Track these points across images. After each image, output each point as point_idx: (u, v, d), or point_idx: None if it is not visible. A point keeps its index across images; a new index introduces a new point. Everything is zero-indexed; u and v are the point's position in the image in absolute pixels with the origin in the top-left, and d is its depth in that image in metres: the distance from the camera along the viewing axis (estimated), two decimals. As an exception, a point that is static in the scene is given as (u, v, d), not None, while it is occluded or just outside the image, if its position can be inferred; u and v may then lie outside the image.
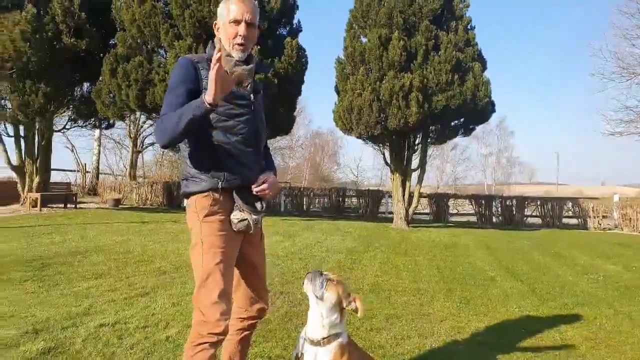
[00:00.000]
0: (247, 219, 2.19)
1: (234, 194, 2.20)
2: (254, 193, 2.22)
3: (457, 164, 56.17)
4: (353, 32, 15.51)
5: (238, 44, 2.23)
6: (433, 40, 14.44)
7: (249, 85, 2.34)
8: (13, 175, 18.58)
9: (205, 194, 2.17)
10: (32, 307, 4.28)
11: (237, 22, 2.22)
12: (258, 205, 2.25)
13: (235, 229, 2.19)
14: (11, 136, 16.22)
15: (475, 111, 14.70)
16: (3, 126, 16.15)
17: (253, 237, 2.36)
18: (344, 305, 2.26)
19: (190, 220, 2.23)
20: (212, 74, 1.91)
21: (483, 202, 19.80)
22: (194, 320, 2.10)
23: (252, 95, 2.34)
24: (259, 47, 13.56)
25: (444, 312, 4.76)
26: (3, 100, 15.50)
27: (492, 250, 10.08)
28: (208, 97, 1.95)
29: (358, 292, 5.48)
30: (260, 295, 2.43)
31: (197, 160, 2.21)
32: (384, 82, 14.13)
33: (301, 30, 16.30)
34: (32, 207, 15.31)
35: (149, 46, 14.49)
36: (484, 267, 7.87)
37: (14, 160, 16.31)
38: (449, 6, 14.96)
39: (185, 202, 2.31)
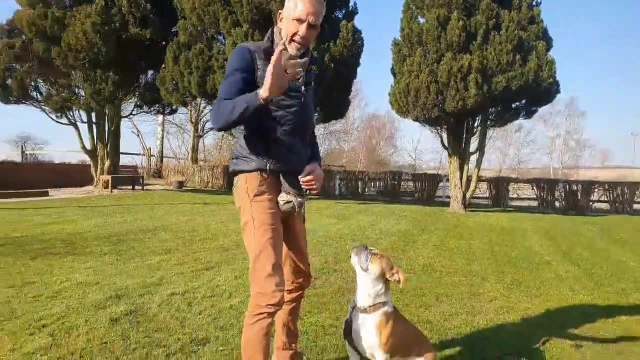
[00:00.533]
0: (292, 201, 2.34)
1: (281, 178, 2.35)
2: (301, 180, 2.36)
3: (521, 147, 54.31)
4: (410, 12, 15.32)
5: (296, 42, 2.30)
6: (494, 19, 13.99)
7: (301, 78, 2.41)
8: (85, 159, 19.94)
9: (255, 173, 2.32)
10: (113, 276, 4.78)
11: (300, 21, 2.28)
12: (303, 189, 2.39)
13: (281, 210, 2.35)
14: (84, 122, 17.39)
15: (537, 92, 14.17)
16: (77, 113, 17.30)
17: (297, 215, 2.53)
18: (387, 276, 2.46)
19: (240, 198, 2.37)
20: (270, 69, 2.02)
21: (545, 186, 19.19)
22: (251, 293, 2.28)
23: (303, 87, 2.43)
24: (315, 31, 13.72)
25: (494, 292, 4.86)
26: (77, 89, 16.60)
27: (551, 235, 9.90)
28: (263, 91, 2.06)
29: (409, 272, 5.66)
30: (303, 268, 2.62)
31: (249, 143, 2.35)
32: (441, 63, 13.94)
33: (357, 13, 16.28)
34: (104, 188, 16.42)
35: (208, 33, 15.02)
36: (540, 251, 7.80)
37: (88, 145, 17.48)
38: (512, -19, 14.38)
39: (234, 180, 2.44)
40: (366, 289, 2.46)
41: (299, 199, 2.36)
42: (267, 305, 2.22)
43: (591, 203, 18.78)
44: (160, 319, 3.57)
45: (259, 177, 2.32)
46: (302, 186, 2.37)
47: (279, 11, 2.40)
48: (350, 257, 2.55)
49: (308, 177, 2.36)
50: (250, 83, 2.25)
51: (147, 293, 4.23)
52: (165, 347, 3.03)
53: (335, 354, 3.03)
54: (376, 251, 2.50)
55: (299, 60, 2.32)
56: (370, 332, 2.42)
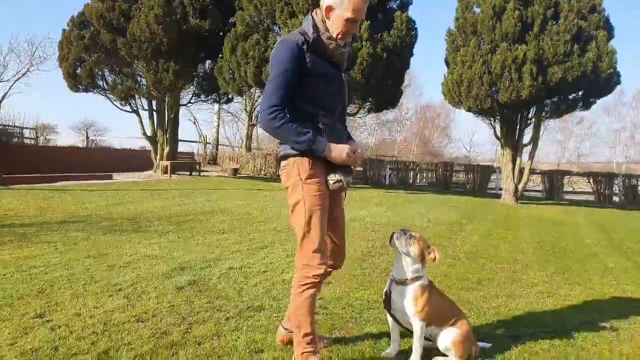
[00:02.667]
0: (341, 180, 2.49)
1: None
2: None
3: (583, 140, 51.98)
4: (465, 2, 15.17)
5: (345, 38, 2.51)
6: (552, 8, 13.66)
7: (344, 67, 2.62)
8: (145, 145, 20.99)
9: (307, 157, 2.45)
10: (175, 251, 5.23)
11: (352, 21, 2.44)
12: (349, 168, 2.60)
13: (331, 189, 2.50)
14: (145, 110, 18.31)
15: (596, 83, 13.73)
16: (139, 101, 18.25)
17: (338, 197, 2.73)
18: (425, 255, 2.71)
19: (289, 179, 2.51)
20: (345, 157, 2.45)
21: (602, 179, 18.53)
22: (298, 264, 2.52)
23: (342, 74, 2.62)
24: (368, 21, 13.86)
25: (536, 279, 4.96)
26: (140, 78, 17.51)
27: (604, 229, 9.71)
28: (328, 154, 2.42)
29: (454, 258, 5.82)
30: (339, 248, 2.80)
31: None
32: (496, 54, 13.76)
33: (412, 3, 16.25)
34: (163, 173, 17.30)
35: (265, 24, 15.45)
36: (590, 243, 7.73)
37: (148, 132, 18.41)
38: (573, -32, 13.92)
39: (283, 163, 2.56)
40: (405, 266, 2.72)
41: (347, 178, 2.52)
42: (313, 276, 2.46)
43: (652, 198, 17.98)
44: (219, 289, 3.95)
45: (309, 160, 2.46)
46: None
47: (328, 4, 2.45)
48: (390, 241, 2.77)
49: (353, 155, 2.54)
50: (301, 78, 2.41)
51: (208, 267, 4.64)
52: (225, 312, 3.39)
53: (378, 325, 3.29)
54: (415, 234, 2.74)
55: (359, 146, 2.63)
56: (407, 301, 2.68)
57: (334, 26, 2.46)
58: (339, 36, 2.49)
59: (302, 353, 2.50)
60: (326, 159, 2.47)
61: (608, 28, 14.01)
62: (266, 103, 2.41)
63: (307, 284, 2.48)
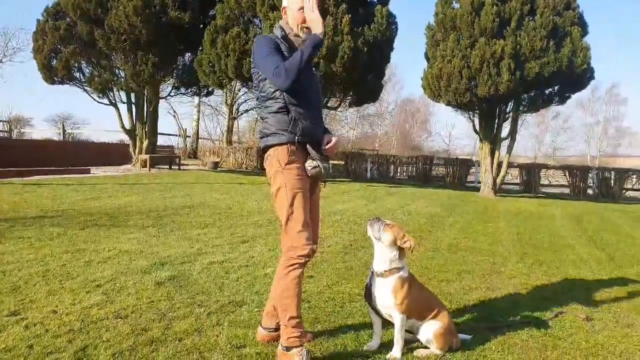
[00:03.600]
0: (319, 166, 2.63)
1: (307, 146, 2.64)
2: (323, 149, 2.70)
3: (558, 134, 52.92)
4: (445, -3, 15.25)
5: (306, 28, 2.68)
6: (529, 5, 13.89)
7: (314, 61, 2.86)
8: (124, 138, 20.67)
9: (284, 146, 2.60)
10: (155, 246, 5.16)
11: (304, 9, 2.67)
12: (325, 156, 2.72)
13: (309, 175, 2.65)
14: (124, 103, 18.00)
15: (571, 78, 14.03)
16: (118, 94, 17.92)
17: (315, 186, 2.80)
18: (399, 243, 2.72)
19: (271, 168, 2.65)
20: (314, 3, 2.59)
21: (577, 173, 18.93)
22: (284, 248, 2.60)
23: (313, 69, 2.82)
24: (349, 15, 13.83)
25: (515, 271, 5.03)
26: (118, 70, 17.20)
27: (578, 221, 9.92)
28: (319, 29, 2.56)
29: (435, 251, 5.87)
30: (313, 236, 2.83)
31: (278, 121, 2.63)
32: (474, 49, 13.89)
33: (392, -2, 16.27)
34: (142, 167, 17.06)
35: (245, 17, 15.29)
36: (566, 235, 7.88)
37: (127, 125, 18.12)
38: (549, -35, 14.16)
39: (265, 155, 2.72)
40: (382, 256, 2.75)
41: (324, 164, 2.65)
42: (298, 256, 2.54)
43: (625, 191, 18.41)
44: (200, 284, 3.91)
45: (288, 149, 2.60)
46: (325, 153, 2.71)
47: (283, 6, 2.80)
48: (366, 229, 2.82)
49: (331, 144, 2.71)
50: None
51: (188, 261, 4.59)
52: (206, 307, 3.36)
53: (360, 318, 3.30)
54: (388, 222, 2.77)
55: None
56: (387, 294, 2.70)
57: (293, 20, 2.73)
58: (301, 26, 2.70)
59: (288, 338, 2.54)
60: (304, 147, 2.63)
61: (582, 24, 14.31)
62: (271, 67, 2.54)
63: (292, 264, 2.55)
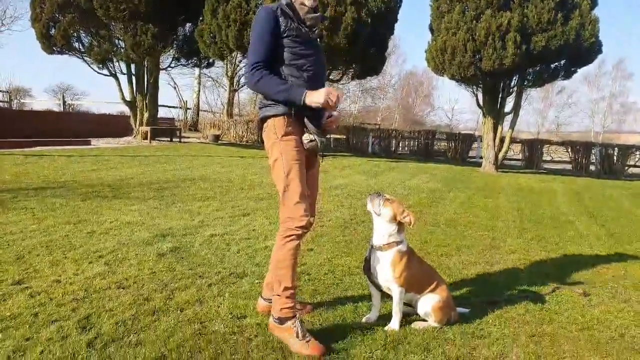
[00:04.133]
0: (315, 140, 2.59)
1: (305, 120, 2.59)
2: (322, 122, 2.65)
3: (562, 109, 52.50)
4: (451, -32, 14.91)
5: None
6: (538, -24, 13.54)
7: (317, 31, 2.78)
8: (124, 110, 20.55)
9: (281, 117, 2.57)
10: (157, 218, 5.20)
11: None
12: (323, 130, 2.68)
13: (305, 148, 2.62)
14: (124, 74, 17.82)
15: (578, 52, 13.77)
16: (118, 65, 17.74)
17: (313, 160, 2.79)
18: (399, 218, 2.74)
19: (269, 139, 2.64)
20: (325, 98, 2.46)
21: (580, 149, 18.85)
22: (281, 219, 2.59)
23: (318, 39, 2.77)
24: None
25: (514, 246, 5.07)
26: (118, 41, 16.97)
27: (579, 197, 9.94)
28: (308, 100, 2.47)
29: (434, 226, 5.90)
30: (310, 209, 2.82)
31: None
32: (480, 21, 13.65)
33: (397, -33, 15.88)
34: (143, 139, 17.02)
35: (247, -14, 14.99)
36: (566, 211, 7.91)
37: (127, 96, 17.99)
38: None
39: (263, 126, 2.69)
40: (381, 230, 2.76)
41: (321, 139, 2.62)
42: (295, 227, 2.54)
43: (627, 168, 18.37)
44: (202, 255, 3.95)
45: (285, 120, 2.58)
46: (324, 127, 2.67)
47: None
48: (366, 203, 2.83)
49: (330, 119, 2.68)
50: (277, 39, 2.56)
51: (189, 234, 4.62)
52: (207, 279, 3.40)
53: (359, 290, 3.34)
54: (388, 196, 2.78)
55: (318, 16, 2.72)
56: (386, 267, 2.73)
57: None
58: None
59: (282, 309, 2.55)
60: (302, 120, 2.59)
61: (592, -5, 13.96)
62: (249, 62, 2.59)
63: (289, 235, 2.55)
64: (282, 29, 2.55)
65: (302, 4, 2.65)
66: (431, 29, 15.85)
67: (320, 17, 2.75)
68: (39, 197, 5.91)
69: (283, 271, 2.56)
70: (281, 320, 2.54)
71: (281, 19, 2.56)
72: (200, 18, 15.71)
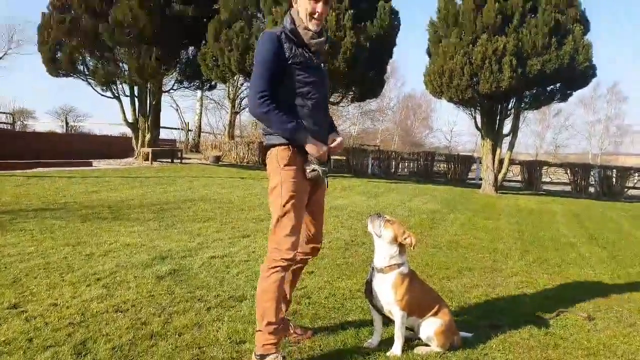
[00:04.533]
0: (317, 170, 2.54)
1: (307, 149, 2.53)
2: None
3: (559, 131, 52.73)
4: (447, -6, 15.19)
5: (315, 19, 2.57)
6: (531, 2, 13.83)
7: (322, 57, 2.71)
8: (126, 131, 20.65)
9: (286, 146, 2.52)
10: (156, 240, 5.16)
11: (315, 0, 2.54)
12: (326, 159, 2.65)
13: (307, 177, 2.55)
14: (127, 96, 17.96)
15: (573, 76, 13.98)
16: (121, 87, 17.89)
17: (318, 186, 2.73)
18: (400, 240, 2.71)
19: (271, 167, 2.58)
20: (319, 155, 2.52)
21: (579, 170, 18.87)
22: (269, 248, 2.53)
23: (322, 65, 2.71)
24: (352, 10, 13.78)
25: (516, 269, 5.03)
26: (122, 64, 17.15)
27: (579, 219, 9.90)
28: (309, 146, 2.50)
29: (435, 247, 5.86)
30: (316, 236, 2.84)
31: None
32: (476, 45, 13.84)
33: (395, -7, 16.15)
34: (144, 160, 17.05)
35: (249, 12, 15.22)
36: (567, 233, 7.87)
37: (130, 118, 18.09)
38: (552, -37, 14.10)
39: (267, 153, 2.63)
40: (382, 252, 2.73)
41: (323, 168, 2.57)
42: (281, 259, 2.48)
43: (626, 190, 18.35)
44: (201, 278, 3.91)
45: (288, 150, 2.53)
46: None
47: None
48: (367, 224, 2.80)
49: (333, 145, 2.66)
50: (282, 65, 2.51)
51: (189, 256, 4.59)
52: (206, 302, 3.36)
53: (360, 314, 3.30)
54: (388, 217, 2.76)
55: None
56: (387, 290, 2.69)
57: (302, 10, 2.58)
58: (310, 17, 2.57)
59: (264, 345, 2.46)
60: (304, 149, 2.54)
61: (584, 22, 14.21)
62: (254, 88, 2.52)
63: (275, 267, 2.49)
64: (286, 55, 2.50)
65: (307, 28, 2.58)
66: (429, 53, 16.05)
67: (325, 41, 2.69)
68: (38, 219, 5.88)
69: (267, 304, 2.47)
70: (262, 357, 2.46)
71: (286, 45, 2.51)
72: (203, 42, 15.91)
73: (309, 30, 2.58)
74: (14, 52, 29.01)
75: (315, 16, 2.57)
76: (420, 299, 2.75)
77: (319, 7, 2.56)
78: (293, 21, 2.59)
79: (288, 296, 2.90)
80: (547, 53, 13.43)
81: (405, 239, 2.70)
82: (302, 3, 2.58)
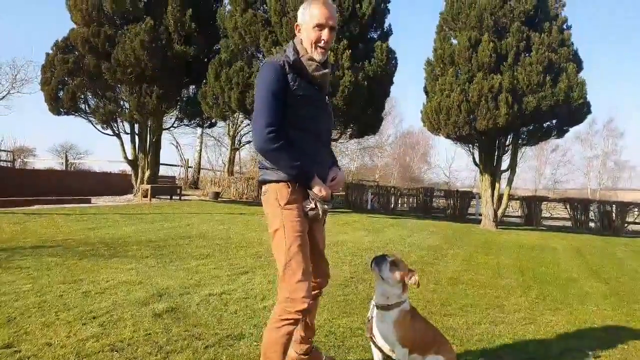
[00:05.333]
0: (317, 207, 2.44)
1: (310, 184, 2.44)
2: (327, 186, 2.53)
3: (558, 167, 53.04)
4: (443, 34, 15.61)
5: (321, 47, 2.46)
6: (524, 42, 14.22)
7: (325, 89, 2.61)
8: (126, 168, 20.73)
9: (284, 183, 2.40)
10: (154, 277, 5.11)
11: (320, 26, 2.43)
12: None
13: (306, 215, 2.45)
14: (127, 133, 18.14)
15: (568, 112, 14.24)
16: (122, 124, 18.09)
17: (320, 223, 2.66)
18: (405, 281, 2.67)
19: (270, 206, 2.46)
20: (321, 195, 2.43)
21: (579, 206, 18.87)
22: (279, 298, 2.38)
23: (326, 97, 2.62)
24: (350, 50, 14.09)
25: (519, 305, 4.96)
26: (123, 102, 17.40)
27: (581, 254, 9.84)
28: (315, 187, 2.42)
29: (436, 284, 5.79)
30: (322, 269, 2.75)
31: None
32: (472, 83, 14.12)
33: (392, 34, 16.50)
34: (144, 197, 17.05)
35: (249, 52, 15.57)
36: (569, 268, 7.81)
37: (129, 155, 18.21)
38: (543, 6, 14.61)
39: (263, 188, 2.52)
40: (384, 291, 2.68)
41: (324, 206, 2.47)
42: (295, 311, 2.32)
43: (627, 225, 18.32)
44: (199, 316, 3.85)
45: (288, 187, 2.41)
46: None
47: (296, 23, 2.54)
48: (371, 266, 2.73)
49: (333, 183, 2.57)
50: (285, 97, 2.38)
51: (187, 293, 4.53)
52: (204, 340, 3.30)
53: (361, 353, 3.23)
54: (393, 258, 2.69)
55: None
56: (389, 327, 2.64)
57: (307, 39, 2.47)
58: (315, 45, 2.46)
59: None
60: (303, 185, 2.45)
61: (577, 61, 14.58)
62: (261, 121, 2.35)
63: (287, 319, 2.35)
64: (290, 87, 2.38)
65: (311, 59, 2.46)
66: (426, 91, 16.35)
67: (330, 72, 2.58)
68: (35, 256, 5.83)
69: (273, 355, 2.35)
70: None
71: (289, 76, 2.39)
72: (204, 81, 16.18)
73: (314, 60, 2.46)
74: (16, 91, 29.27)
75: (321, 44, 2.45)
76: (422, 336, 2.70)
77: (325, 34, 2.44)
78: (296, 51, 2.47)
79: (310, 323, 2.80)
80: (543, 90, 13.70)
81: (410, 279, 2.66)
82: (307, 31, 2.46)
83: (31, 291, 4.27)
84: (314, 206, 2.44)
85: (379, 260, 2.69)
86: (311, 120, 2.49)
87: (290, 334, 2.37)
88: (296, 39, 2.53)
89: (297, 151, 2.41)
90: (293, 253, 2.36)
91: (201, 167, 31.10)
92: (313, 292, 2.59)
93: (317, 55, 2.46)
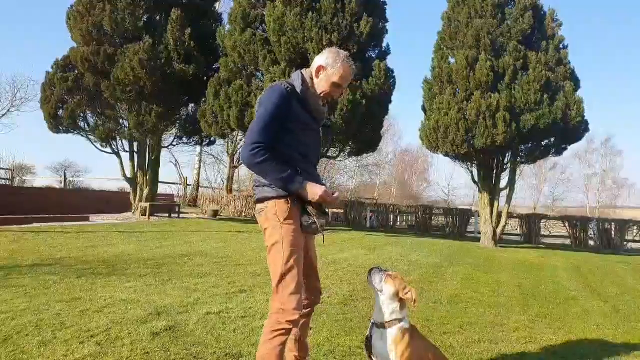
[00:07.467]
0: (315, 222, 2.51)
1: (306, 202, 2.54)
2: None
3: (556, 185, 53.12)
4: (441, 53, 15.81)
5: (324, 97, 2.69)
6: (521, 60, 14.40)
7: (323, 120, 2.82)
8: (125, 186, 20.72)
9: (284, 199, 2.49)
10: (152, 295, 5.08)
11: (339, 87, 2.67)
12: (324, 210, 2.64)
13: (304, 230, 2.53)
14: (126, 151, 18.16)
15: (566, 130, 14.35)
16: (120, 142, 18.12)
17: (312, 238, 2.74)
18: (401, 295, 2.68)
19: (267, 221, 2.52)
20: (324, 198, 2.48)
21: (577, 224, 18.87)
22: (272, 309, 2.46)
23: (319, 129, 2.78)
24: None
25: (518, 323, 4.94)
26: (122, 120, 17.47)
27: (580, 272, 9.83)
28: (308, 194, 2.46)
29: (436, 302, 5.77)
30: (314, 285, 2.81)
31: None
32: (470, 101, 14.23)
33: (389, 53, 16.67)
34: (142, 215, 17.00)
35: (248, 70, 15.70)
36: (568, 286, 7.79)
37: (128, 173, 18.21)
38: (540, 26, 14.83)
39: (259, 205, 2.59)
40: (382, 307, 2.70)
41: (321, 220, 2.55)
42: (286, 321, 2.40)
43: (626, 242, 18.31)
44: (197, 335, 3.82)
45: (287, 202, 2.49)
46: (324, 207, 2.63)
47: (320, 64, 2.65)
48: (367, 278, 2.78)
49: (334, 195, 2.62)
50: (284, 122, 2.50)
51: (185, 311, 4.50)
52: (202, 359, 3.27)
53: (359, 372, 3.21)
54: (390, 272, 2.75)
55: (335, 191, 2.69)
56: (387, 345, 2.64)
57: (321, 84, 2.64)
58: (322, 94, 2.66)
59: None
60: (301, 200, 2.52)
61: (574, 79, 14.80)
62: (249, 139, 2.47)
63: (279, 329, 2.42)
64: (292, 113, 2.50)
65: (315, 95, 2.64)
66: (424, 109, 16.47)
67: (326, 110, 2.79)
68: (33, 274, 5.81)
69: None
70: None
71: (294, 102, 2.52)
72: (203, 99, 16.28)
73: (316, 97, 2.65)
74: (16, 109, 29.46)
75: (328, 98, 2.69)
76: (421, 355, 2.69)
77: (337, 94, 2.70)
78: (305, 83, 2.61)
79: (304, 341, 2.83)
80: (540, 108, 13.83)
81: (406, 293, 2.67)
82: (326, 79, 2.62)
83: (28, 309, 4.25)
84: (312, 220, 2.50)
85: (374, 271, 2.76)
86: (304, 146, 2.62)
87: (283, 344, 2.43)
88: (306, 72, 2.67)
89: (291, 169, 2.49)
90: (289, 266, 2.44)
91: (200, 184, 31.09)
92: (305, 310, 2.69)
93: (320, 100, 2.68)
